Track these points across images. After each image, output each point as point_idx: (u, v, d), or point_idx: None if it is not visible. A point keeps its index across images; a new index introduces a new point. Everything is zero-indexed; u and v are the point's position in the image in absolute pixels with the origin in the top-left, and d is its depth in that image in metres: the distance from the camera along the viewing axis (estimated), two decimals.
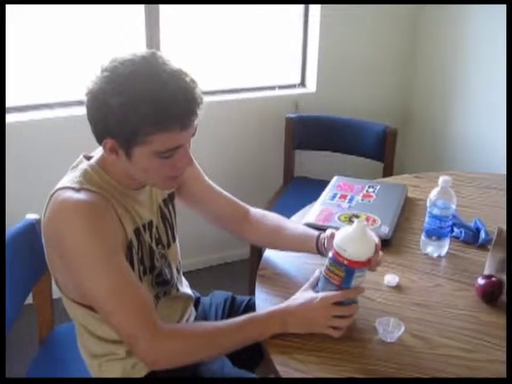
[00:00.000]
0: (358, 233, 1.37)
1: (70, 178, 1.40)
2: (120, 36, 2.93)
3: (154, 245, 1.54)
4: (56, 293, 1.58)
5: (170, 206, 1.64)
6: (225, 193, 1.76)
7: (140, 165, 1.36)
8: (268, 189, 3.12)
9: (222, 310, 1.81)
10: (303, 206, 2.09)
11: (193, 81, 1.33)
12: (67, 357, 1.77)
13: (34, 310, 1.84)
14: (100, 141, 1.36)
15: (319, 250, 1.60)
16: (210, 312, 1.81)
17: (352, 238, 1.37)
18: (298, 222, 1.91)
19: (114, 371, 1.52)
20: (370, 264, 1.41)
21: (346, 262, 1.36)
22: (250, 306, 1.71)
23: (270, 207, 2.86)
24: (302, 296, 1.43)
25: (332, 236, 1.51)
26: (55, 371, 1.74)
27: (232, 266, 3.31)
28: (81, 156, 1.49)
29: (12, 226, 1.74)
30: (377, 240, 1.46)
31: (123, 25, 2.91)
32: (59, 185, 1.41)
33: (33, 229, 1.79)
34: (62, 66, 2.87)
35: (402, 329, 1.41)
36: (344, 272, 1.37)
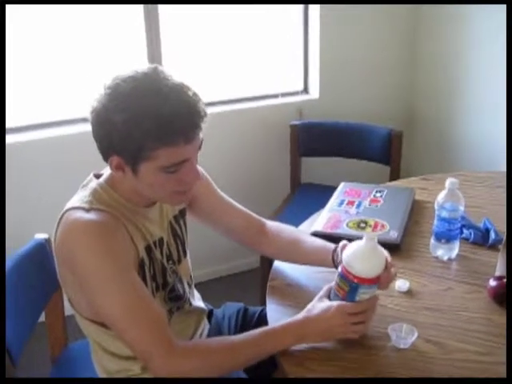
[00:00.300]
0: (367, 249, 1.36)
1: (79, 198, 1.41)
2: (120, 42, 2.93)
3: (165, 261, 1.54)
4: (68, 310, 1.58)
5: (182, 222, 1.64)
6: (238, 206, 1.75)
7: (146, 180, 1.36)
8: (275, 197, 3.12)
9: (234, 322, 1.81)
10: (311, 212, 2.08)
11: (195, 94, 1.33)
12: (81, 374, 1.77)
13: (46, 329, 1.83)
14: (106, 158, 1.36)
15: (335, 263, 1.58)
16: (223, 324, 1.80)
17: (360, 255, 1.36)
18: (307, 230, 1.91)
19: None
20: (379, 281, 1.39)
21: (352, 278, 1.35)
22: (263, 317, 1.70)
23: (279, 215, 2.86)
24: (318, 306, 1.41)
25: (344, 247, 1.51)
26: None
27: (242, 275, 3.30)
28: (91, 174, 1.50)
29: (21, 247, 1.75)
30: (387, 256, 1.44)
31: (123, 32, 2.92)
32: (69, 204, 1.41)
33: (42, 248, 1.79)
34: (59, 83, 2.87)
35: (416, 334, 1.40)
36: (348, 287, 1.36)
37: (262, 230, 1.73)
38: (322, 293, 1.45)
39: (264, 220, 1.77)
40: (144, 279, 1.43)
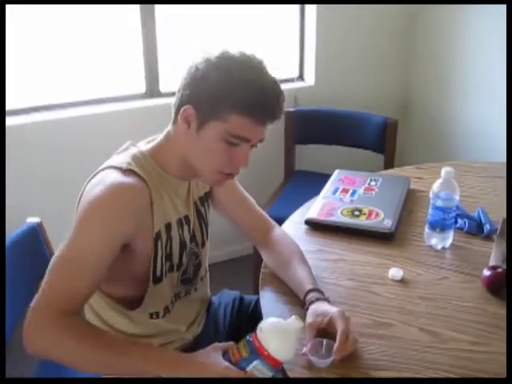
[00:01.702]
0: (292, 332, 1.26)
1: (118, 160, 1.42)
2: (117, 37, 2.92)
3: (187, 240, 1.54)
4: None
5: (206, 205, 1.64)
6: (253, 204, 1.74)
7: (205, 142, 1.37)
8: (269, 184, 3.11)
9: (230, 311, 1.80)
10: (305, 200, 2.07)
11: (283, 95, 1.39)
12: None
13: None
14: (179, 108, 1.38)
15: (304, 304, 1.47)
16: (219, 312, 1.80)
17: (283, 333, 1.26)
18: (301, 218, 1.90)
19: None
20: (277, 368, 1.26)
21: (258, 348, 1.23)
22: (258, 306, 1.69)
23: (272, 202, 2.86)
24: (210, 356, 1.28)
25: (312, 314, 1.39)
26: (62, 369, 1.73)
27: (236, 261, 3.31)
28: (127, 143, 1.51)
29: (13, 231, 1.74)
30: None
31: (119, 25, 2.90)
32: (106, 164, 1.42)
33: (34, 232, 1.78)
34: (57, 67, 2.86)
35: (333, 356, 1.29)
36: (248, 354, 1.24)
37: (266, 235, 1.71)
38: (221, 345, 1.32)
39: (273, 225, 1.74)
40: (155, 254, 1.43)
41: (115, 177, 1.34)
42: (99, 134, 2.87)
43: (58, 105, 2.88)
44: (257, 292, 1.66)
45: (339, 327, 1.31)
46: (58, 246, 1.30)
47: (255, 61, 1.38)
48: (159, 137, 1.49)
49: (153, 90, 3.04)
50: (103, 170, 1.40)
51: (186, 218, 1.53)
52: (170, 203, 1.46)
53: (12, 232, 1.73)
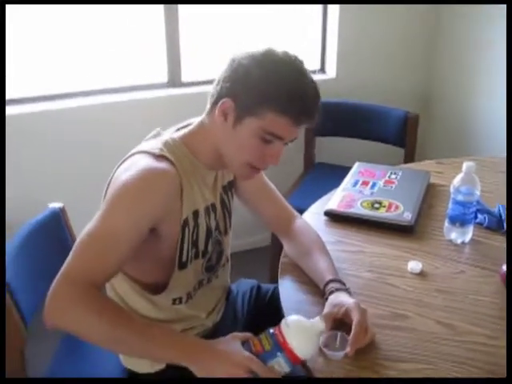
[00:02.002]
0: (315, 332, 1.27)
1: (150, 145, 1.43)
2: (140, 26, 2.94)
3: (213, 228, 1.55)
4: None
5: (230, 194, 1.65)
6: (276, 194, 1.75)
7: (240, 137, 1.39)
8: (289, 175, 3.11)
9: (248, 299, 1.82)
10: (324, 192, 2.08)
11: (320, 98, 1.42)
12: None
13: None
14: (218, 100, 1.40)
15: (324, 294, 1.48)
16: (237, 300, 1.82)
17: (307, 332, 1.26)
18: (320, 209, 1.91)
19: None
20: (297, 364, 1.26)
21: (282, 344, 1.23)
22: (275, 295, 1.70)
23: (291, 194, 2.86)
24: (230, 344, 1.28)
25: (330, 304, 1.41)
26: (81, 356, 1.75)
27: (252, 253, 3.32)
28: (156, 130, 1.53)
29: (36, 215, 1.76)
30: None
31: (143, 15, 2.92)
32: (138, 148, 1.44)
33: (57, 217, 1.80)
34: (81, 56, 2.89)
35: (348, 348, 1.29)
36: (271, 348, 1.24)
37: (287, 225, 1.72)
38: (240, 335, 1.32)
39: (295, 215, 1.75)
40: (182, 241, 1.44)
41: (148, 162, 1.36)
42: (121, 122, 2.90)
43: (80, 92, 2.91)
44: (273, 282, 1.67)
45: (354, 318, 1.32)
46: (83, 228, 1.31)
47: (298, 62, 1.40)
48: (191, 125, 1.50)
49: (175, 80, 3.06)
50: (134, 154, 1.41)
51: (213, 206, 1.54)
52: (198, 191, 1.47)
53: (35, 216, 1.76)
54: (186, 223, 1.44)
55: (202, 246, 1.52)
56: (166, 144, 1.43)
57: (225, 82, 1.39)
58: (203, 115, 1.48)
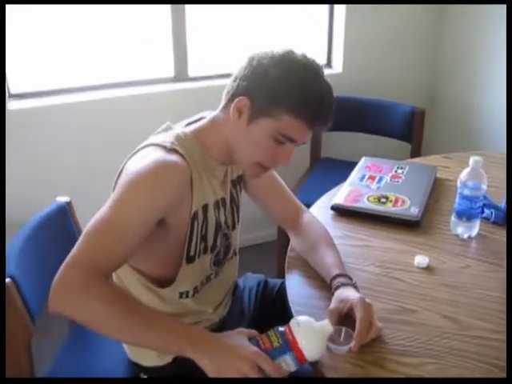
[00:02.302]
0: (323, 335, 1.26)
1: (161, 138, 1.43)
2: (147, 20, 2.95)
3: (222, 222, 1.56)
4: None
5: (238, 188, 1.65)
6: (285, 189, 1.76)
7: (253, 135, 1.40)
8: (295, 170, 3.11)
9: (255, 294, 1.82)
10: (330, 186, 2.08)
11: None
12: (96, 337, 1.79)
13: None
14: (234, 97, 1.41)
15: (331, 289, 1.48)
16: (243, 295, 1.82)
17: (317, 334, 1.26)
18: (327, 203, 1.91)
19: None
20: (301, 363, 1.24)
21: (291, 342, 1.22)
22: (282, 290, 1.70)
23: (297, 189, 2.86)
24: (236, 338, 1.27)
25: (336, 299, 1.41)
26: (87, 350, 1.76)
27: (259, 247, 3.32)
28: (166, 123, 1.53)
29: (43, 209, 1.77)
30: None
31: (150, 10, 2.92)
32: (149, 141, 1.44)
33: (64, 211, 1.81)
34: (89, 50, 2.89)
35: (353, 342, 1.30)
36: (280, 345, 1.23)
37: (295, 220, 1.72)
38: (246, 331, 1.30)
39: (303, 209, 1.76)
40: (191, 234, 1.45)
41: (159, 154, 1.36)
42: (128, 116, 2.90)
43: (87, 87, 2.91)
44: (280, 277, 1.67)
45: (358, 315, 1.32)
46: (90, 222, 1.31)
47: (315, 66, 1.41)
48: (202, 119, 1.51)
49: (181, 74, 3.06)
50: (145, 147, 1.42)
51: (223, 200, 1.54)
52: (208, 185, 1.47)
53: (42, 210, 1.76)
54: (195, 217, 1.44)
55: (210, 241, 1.52)
56: (178, 138, 1.43)
57: (242, 79, 1.40)
58: (217, 110, 1.49)
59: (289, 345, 1.22)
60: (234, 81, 1.42)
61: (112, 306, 1.23)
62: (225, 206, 1.55)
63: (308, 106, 1.36)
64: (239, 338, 1.27)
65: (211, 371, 1.20)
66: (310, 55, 1.43)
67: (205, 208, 1.47)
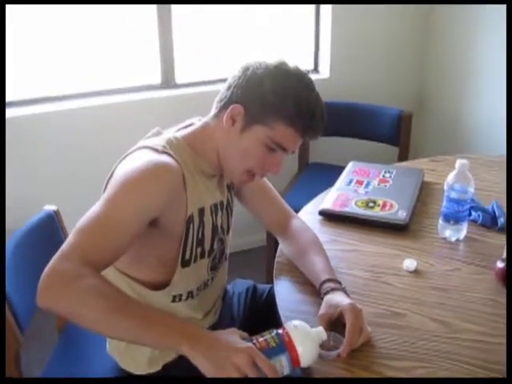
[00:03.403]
0: (317, 341, 1.26)
1: (152, 142, 1.43)
2: (133, 27, 2.94)
3: (219, 226, 1.56)
4: None
5: (232, 193, 1.65)
6: (275, 195, 1.77)
7: (245, 143, 1.43)
8: (283, 175, 3.08)
9: (244, 300, 1.82)
10: (319, 191, 2.08)
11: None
12: (86, 345, 1.79)
13: None
14: (227, 105, 1.43)
15: (320, 294, 1.48)
16: (233, 301, 1.82)
17: (313, 339, 1.25)
18: (315, 208, 1.92)
19: (142, 354, 1.53)
20: (294, 367, 1.23)
21: (287, 344, 1.22)
22: (271, 296, 1.70)
23: (286, 193, 2.87)
24: (231, 335, 1.24)
25: (326, 305, 1.41)
26: (77, 359, 1.75)
27: (248, 253, 3.32)
28: (156, 128, 1.54)
29: (31, 218, 1.76)
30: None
31: (136, 15, 2.92)
32: (139, 145, 1.45)
33: (51, 219, 1.80)
34: (73, 58, 2.89)
35: (341, 347, 1.29)
36: (276, 345, 1.22)
37: (284, 225, 1.72)
38: (238, 332, 1.27)
39: (292, 215, 1.76)
40: (186, 237, 1.44)
41: (151, 155, 1.37)
42: (115, 124, 2.90)
43: (74, 95, 2.91)
44: (269, 283, 1.67)
45: (348, 321, 1.32)
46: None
47: (308, 78, 1.45)
48: (192, 125, 1.52)
49: (169, 81, 3.06)
50: (136, 150, 1.42)
51: (221, 203, 1.55)
52: (204, 189, 1.48)
53: (30, 219, 1.76)
54: (190, 220, 1.44)
55: (207, 245, 1.52)
56: (169, 142, 1.44)
57: (237, 88, 1.43)
58: (207, 117, 1.50)
59: (285, 346, 1.22)
60: (228, 89, 1.45)
61: (104, 298, 1.18)
62: (222, 209, 1.56)
63: (301, 117, 1.40)
64: (234, 336, 1.24)
65: (205, 367, 1.15)
66: (302, 67, 1.47)
67: (201, 211, 1.47)
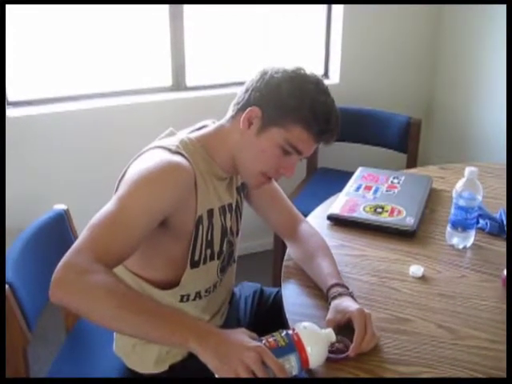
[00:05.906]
0: (325, 344, 1.27)
1: (166, 142, 1.45)
2: (145, 29, 2.96)
3: (228, 228, 1.57)
4: None
5: (242, 195, 1.67)
6: (284, 199, 1.78)
7: (261, 145, 1.44)
8: (291, 180, 3.08)
9: (250, 303, 1.83)
10: (327, 196, 2.09)
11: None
12: (93, 345, 1.80)
13: None
14: (244, 107, 1.45)
15: (328, 299, 1.48)
16: (240, 303, 1.82)
17: (322, 341, 1.26)
18: (323, 213, 1.92)
19: (149, 354, 1.54)
20: (302, 368, 1.24)
21: (296, 344, 1.22)
22: (278, 299, 1.70)
23: (294, 198, 2.87)
24: (240, 334, 1.24)
25: (333, 310, 1.41)
26: (83, 358, 1.76)
27: (255, 256, 3.33)
28: (169, 129, 1.56)
29: (40, 217, 1.77)
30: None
31: (148, 18, 2.94)
32: (152, 145, 1.46)
33: (61, 219, 1.81)
34: (85, 58, 2.91)
35: (346, 354, 1.31)
36: (285, 344, 1.22)
37: (293, 229, 1.73)
38: (247, 332, 1.26)
39: (301, 219, 1.77)
40: (195, 239, 1.46)
41: (164, 155, 1.38)
42: (125, 126, 2.91)
43: (84, 95, 2.92)
44: (276, 286, 1.67)
45: (357, 328, 1.32)
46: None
47: (324, 84, 1.47)
48: (206, 127, 1.54)
49: (179, 84, 3.07)
50: (149, 150, 1.44)
51: (230, 206, 1.56)
52: (213, 191, 1.49)
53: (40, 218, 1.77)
54: (200, 221, 1.45)
55: (217, 247, 1.53)
56: (182, 142, 1.45)
57: (255, 91, 1.44)
58: (223, 120, 1.52)
59: (294, 345, 1.22)
60: (246, 92, 1.46)
61: (114, 294, 1.19)
62: (231, 211, 1.57)
63: (317, 120, 1.41)
64: (243, 335, 1.24)
65: (213, 362, 1.15)
66: (318, 74, 1.49)
67: (210, 213, 1.48)
